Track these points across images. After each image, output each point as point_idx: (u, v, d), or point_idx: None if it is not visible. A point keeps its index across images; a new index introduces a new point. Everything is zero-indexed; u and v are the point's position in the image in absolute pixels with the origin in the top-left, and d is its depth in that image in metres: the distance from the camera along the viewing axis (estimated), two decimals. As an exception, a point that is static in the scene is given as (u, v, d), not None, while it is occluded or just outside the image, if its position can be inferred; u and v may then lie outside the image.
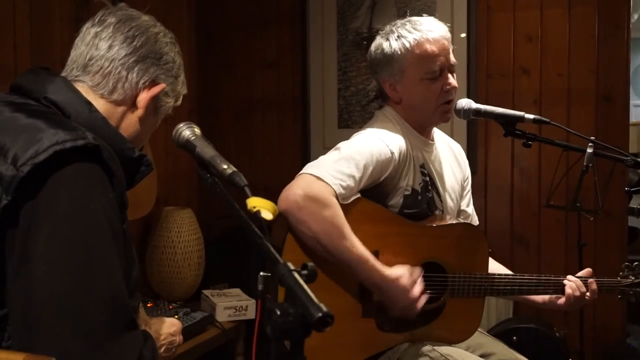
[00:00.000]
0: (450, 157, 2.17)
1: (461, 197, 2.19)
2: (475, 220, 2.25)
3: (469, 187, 2.24)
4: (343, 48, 3.52)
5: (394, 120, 2.00)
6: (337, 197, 1.75)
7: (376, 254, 1.83)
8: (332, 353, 1.79)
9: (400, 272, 1.80)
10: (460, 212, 2.20)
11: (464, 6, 3.24)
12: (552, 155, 2.96)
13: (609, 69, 3.07)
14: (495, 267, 2.14)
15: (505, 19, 3.22)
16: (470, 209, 2.24)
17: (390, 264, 1.82)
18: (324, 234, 1.73)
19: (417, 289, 1.81)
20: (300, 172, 1.80)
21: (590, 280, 2.04)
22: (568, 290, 2.00)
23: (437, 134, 2.15)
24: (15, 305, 1.11)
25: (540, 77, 3.18)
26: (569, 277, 2.03)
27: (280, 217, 1.75)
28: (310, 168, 1.80)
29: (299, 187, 1.74)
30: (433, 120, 2.02)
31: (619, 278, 2.11)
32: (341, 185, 1.76)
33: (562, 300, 2.02)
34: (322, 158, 1.84)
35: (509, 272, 2.13)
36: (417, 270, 1.84)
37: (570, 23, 3.12)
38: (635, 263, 2.11)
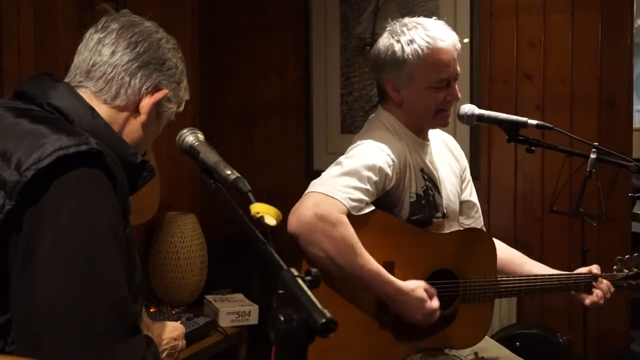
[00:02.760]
0: (445, 152, 2.17)
1: (461, 189, 2.19)
2: (479, 207, 2.23)
3: (468, 177, 2.23)
4: (346, 53, 3.52)
5: (390, 126, 1.98)
6: (348, 211, 1.74)
7: (391, 265, 1.84)
8: None
9: (415, 284, 1.82)
10: (463, 203, 2.18)
11: (467, 12, 3.25)
12: (555, 161, 2.96)
13: (612, 74, 3.06)
14: (532, 268, 2.16)
15: (508, 25, 3.22)
16: (474, 198, 2.22)
17: (405, 273, 1.84)
18: (337, 253, 1.73)
19: (435, 302, 1.83)
20: (307, 191, 1.79)
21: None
22: (599, 292, 2.06)
23: (430, 131, 2.14)
24: (18, 310, 1.11)
25: (543, 83, 3.18)
26: (600, 280, 2.08)
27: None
28: (315, 186, 1.78)
29: (307, 208, 1.73)
30: (432, 124, 2.03)
31: (614, 272, 2.15)
32: (350, 199, 1.75)
33: (588, 301, 2.07)
34: (325, 174, 1.83)
35: (544, 268, 2.15)
36: (433, 288, 1.85)
37: (573, 28, 3.12)
38: (627, 256, 2.15)
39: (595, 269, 2.10)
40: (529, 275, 2.07)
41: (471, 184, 2.23)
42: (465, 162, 2.24)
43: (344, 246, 1.73)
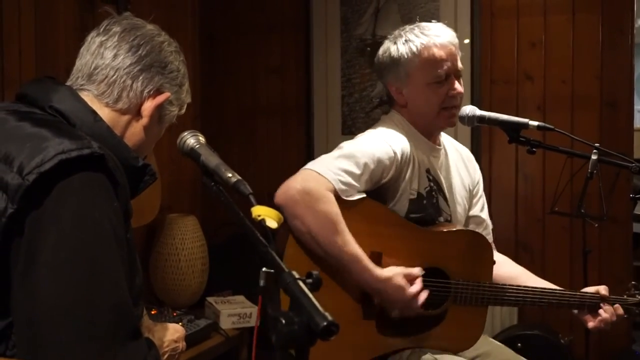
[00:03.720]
0: (458, 163, 2.16)
1: (471, 204, 2.17)
2: (488, 224, 2.21)
3: (480, 192, 2.20)
4: (347, 55, 3.52)
5: (399, 123, 2.00)
6: (336, 192, 1.76)
7: (379, 255, 1.83)
8: (332, 356, 1.78)
9: (392, 272, 1.79)
10: (471, 218, 2.17)
11: (468, 12, 3.25)
12: (556, 162, 2.95)
13: (613, 75, 3.06)
14: (525, 279, 2.11)
15: (509, 25, 3.22)
16: (484, 214, 2.20)
17: (393, 266, 1.82)
18: (318, 228, 1.73)
19: (415, 287, 1.80)
20: (302, 168, 1.82)
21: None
22: (606, 318, 1.99)
23: (445, 138, 2.14)
24: (20, 313, 1.11)
25: (544, 83, 3.18)
26: (605, 304, 2.01)
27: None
28: (311, 164, 1.82)
29: (296, 181, 1.77)
30: (438, 124, 2.02)
31: (625, 296, 2.09)
32: (340, 181, 1.76)
33: (591, 324, 2.01)
34: (324, 155, 1.86)
35: (543, 284, 2.08)
36: (416, 269, 1.82)
37: (574, 29, 3.12)
38: None
39: (603, 290, 2.03)
40: (531, 287, 2.00)
41: (483, 199, 2.20)
42: (478, 176, 2.21)
43: (326, 222, 1.73)
